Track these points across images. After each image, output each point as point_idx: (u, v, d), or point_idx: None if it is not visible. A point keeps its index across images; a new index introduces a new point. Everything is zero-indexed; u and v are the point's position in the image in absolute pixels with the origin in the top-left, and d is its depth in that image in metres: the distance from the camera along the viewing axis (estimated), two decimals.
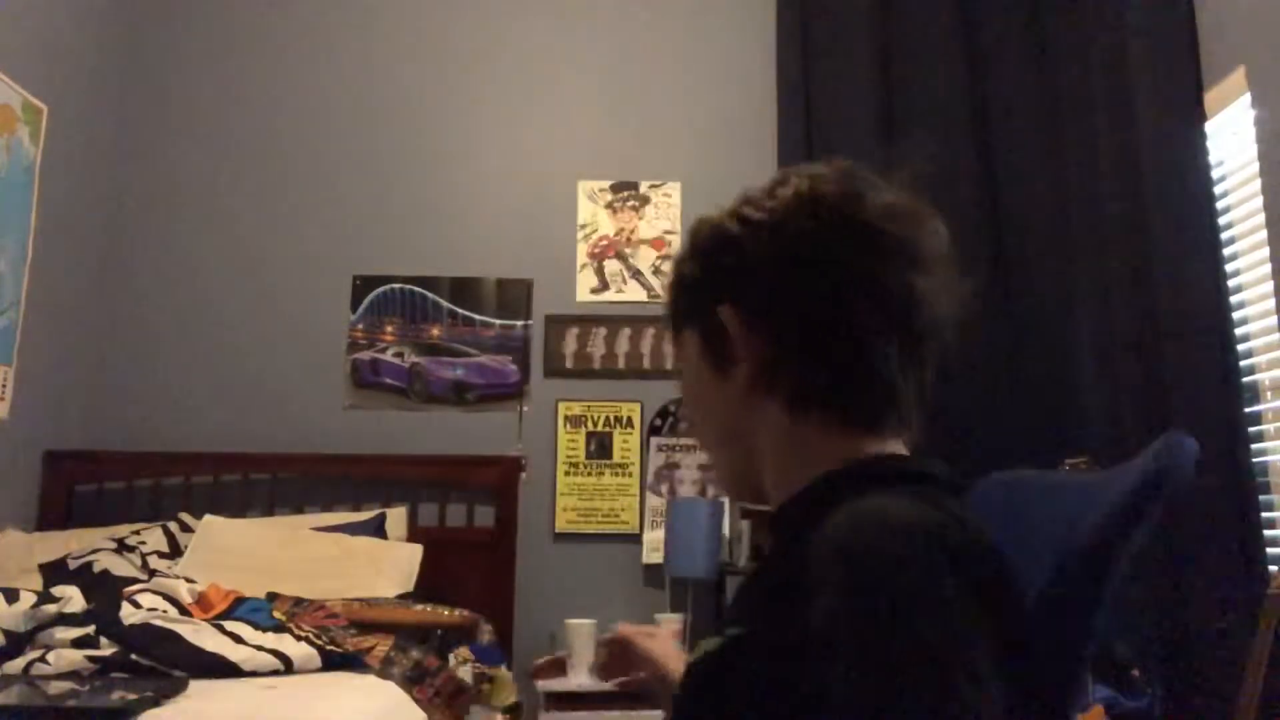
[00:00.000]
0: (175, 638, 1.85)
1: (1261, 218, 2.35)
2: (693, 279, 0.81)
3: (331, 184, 3.35)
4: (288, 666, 1.88)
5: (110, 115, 3.29)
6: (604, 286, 3.32)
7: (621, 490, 3.19)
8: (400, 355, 3.24)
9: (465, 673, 2.28)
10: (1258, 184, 2.37)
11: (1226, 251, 2.48)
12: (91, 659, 1.75)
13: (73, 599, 1.94)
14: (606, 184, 3.38)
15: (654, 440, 3.21)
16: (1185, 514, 2.22)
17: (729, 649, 0.67)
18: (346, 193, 3.34)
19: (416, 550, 2.79)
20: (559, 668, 2.59)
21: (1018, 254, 3.03)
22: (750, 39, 3.42)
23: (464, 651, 2.38)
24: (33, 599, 1.89)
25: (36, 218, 2.87)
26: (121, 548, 2.60)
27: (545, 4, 3.48)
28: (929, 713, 0.51)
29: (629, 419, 3.22)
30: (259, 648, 1.90)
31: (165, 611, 2.02)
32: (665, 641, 1.00)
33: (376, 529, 2.89)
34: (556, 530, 3.17)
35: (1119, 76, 2.64)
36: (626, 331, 3.27)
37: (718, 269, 0.79)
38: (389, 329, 3.26)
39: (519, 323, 3.28)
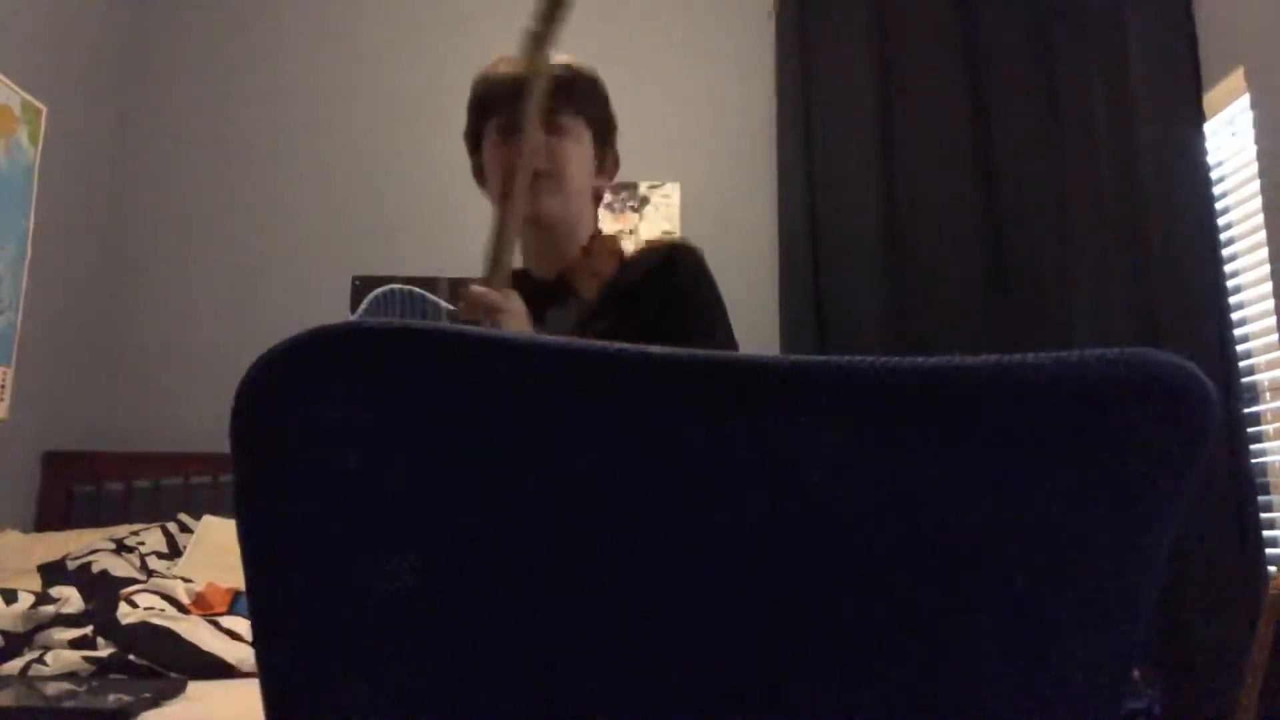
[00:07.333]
0: (173, 636, 1.84)
1: (1261, 218, 2.35)
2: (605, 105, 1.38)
3: (331, 184, 3.35)
4: None
5: (110, 115, 3.29)
6: None
7: None
8: None
9: None
10: (1257, 184, 2.37)
11: (1226, 251, 2.49)
12: (89, 660, 1.74)
13: (71, 600, 1.94)
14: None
15: None
16: (1185, 514, 2.22)
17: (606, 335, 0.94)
18: (345, 193, 3.34)
19: None
20: None
21: (1017, 254, 3.03)
22: (750, 39, 3.41)
23: None
24: (31, 600, 1.89)
25: (36, 218, 2.86)
26: (120, 548, 2.59)
27: None
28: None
29: None
30: None
31: (163, 610, 2.01)
32: (521, 318, 1.22)
33: None
34: None
35: (1119, 76, 2.64)
36: None
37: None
38: None
39: None
